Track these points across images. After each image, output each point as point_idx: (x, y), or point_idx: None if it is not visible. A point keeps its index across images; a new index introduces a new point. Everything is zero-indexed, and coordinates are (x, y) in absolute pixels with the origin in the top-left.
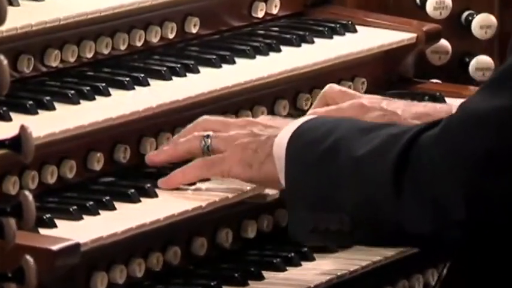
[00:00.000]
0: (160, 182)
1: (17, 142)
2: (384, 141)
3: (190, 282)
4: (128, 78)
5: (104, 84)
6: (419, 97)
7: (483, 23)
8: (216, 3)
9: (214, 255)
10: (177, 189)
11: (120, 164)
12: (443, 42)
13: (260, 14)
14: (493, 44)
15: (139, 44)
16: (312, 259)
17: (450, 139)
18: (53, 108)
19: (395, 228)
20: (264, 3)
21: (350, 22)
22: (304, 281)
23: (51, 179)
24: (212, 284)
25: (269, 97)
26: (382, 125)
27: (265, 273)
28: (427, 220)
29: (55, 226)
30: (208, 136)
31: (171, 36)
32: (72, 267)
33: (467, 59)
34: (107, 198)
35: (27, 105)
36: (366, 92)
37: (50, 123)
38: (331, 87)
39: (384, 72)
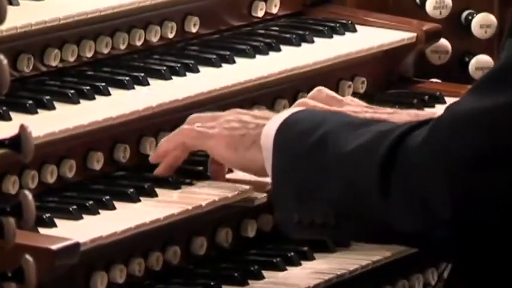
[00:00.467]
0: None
1: (17, 142)
2: (373, 138)
3: (190, 282)
4: (127, 78)
5: (103, 84)
6: (419, 96)
7: (483, 22)
8: (215, 3)
9: (214, 254)
10: (177, 189)
11: (120, 163)
12: (443, 42)
13: (260, 14)
14: (493, 43)
15: (139, 43)
16: (312, 258)
17: (439, 139)
18: (53, 108)
19: (382, 226)
20: (263, 3)
21: (350, 22)
22: (304, 280)
23: (51, 179)
24: (212, 283)
25: (269, 96)
26: (371, 121)
27: (265, 273)
28: (414, 219)
29: (55, 226)
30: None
31: (170, 35)
32: (72, 267)
33: (467, 59)
34: (107, 197)
35: (27, 105)
36: (366, 92)
37: (50, 122)
38: (320, 91)
39: (384, 72)
